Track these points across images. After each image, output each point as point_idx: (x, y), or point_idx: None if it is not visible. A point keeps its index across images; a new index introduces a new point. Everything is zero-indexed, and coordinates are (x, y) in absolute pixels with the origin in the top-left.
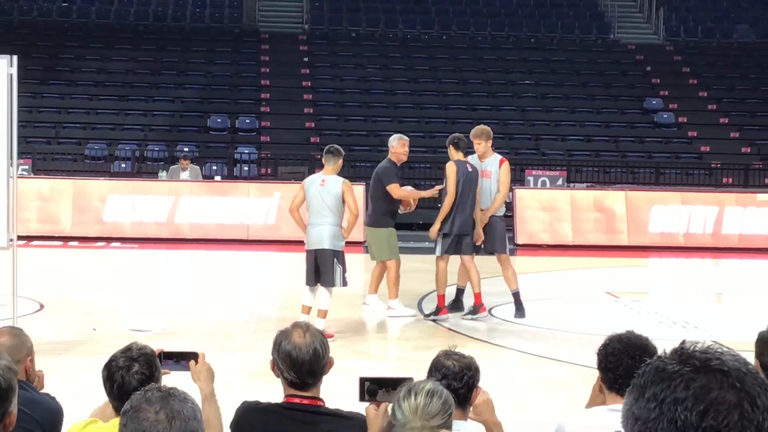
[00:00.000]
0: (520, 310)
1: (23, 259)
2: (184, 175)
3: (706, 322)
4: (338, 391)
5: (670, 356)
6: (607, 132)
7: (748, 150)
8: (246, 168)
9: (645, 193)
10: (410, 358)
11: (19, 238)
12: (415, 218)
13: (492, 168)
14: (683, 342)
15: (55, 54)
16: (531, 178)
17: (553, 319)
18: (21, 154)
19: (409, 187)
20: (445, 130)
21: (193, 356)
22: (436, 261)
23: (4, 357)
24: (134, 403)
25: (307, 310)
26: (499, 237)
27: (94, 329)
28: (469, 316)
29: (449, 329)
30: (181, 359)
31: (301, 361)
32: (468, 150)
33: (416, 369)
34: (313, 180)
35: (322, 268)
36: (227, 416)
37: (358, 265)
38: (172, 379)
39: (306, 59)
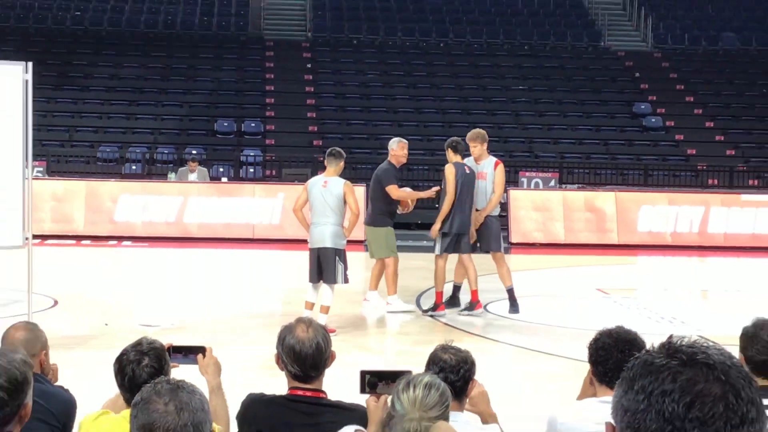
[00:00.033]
0: (514, 306)
1: (38, 258)
2: (193, 176)
3: (693, 318)
4: (340, 384)
5: (657, 350)
6: (598, 135)
7: (733, 153)
8: (251, 170)
9: (634, 194)
10: (409, 352)
11: (34, 237)
12: (414, 218)
13: (487, 170)
14: (670, 336)
15: (68, 61)
16: (525, 180)
17: (546, 314)
18: (36, 156)
19: (408, 189)
20: (443, 133)
21: (201, 350)
22: (436, 259)
23: (20, 351)
24: (144, 395)
25: (310, 305)
26: (495, 236)
27: (106, 324)
28: (466, 312)
29: (446, 324)
30: (190, 353)
31: (305, 354)
32: (465, 153)
33: (415, 362)
34: (316, 181)
35: (324, 266)
36: (233, 408)
37: (358, 263)
38: (181, 372)
39: (309, 65)
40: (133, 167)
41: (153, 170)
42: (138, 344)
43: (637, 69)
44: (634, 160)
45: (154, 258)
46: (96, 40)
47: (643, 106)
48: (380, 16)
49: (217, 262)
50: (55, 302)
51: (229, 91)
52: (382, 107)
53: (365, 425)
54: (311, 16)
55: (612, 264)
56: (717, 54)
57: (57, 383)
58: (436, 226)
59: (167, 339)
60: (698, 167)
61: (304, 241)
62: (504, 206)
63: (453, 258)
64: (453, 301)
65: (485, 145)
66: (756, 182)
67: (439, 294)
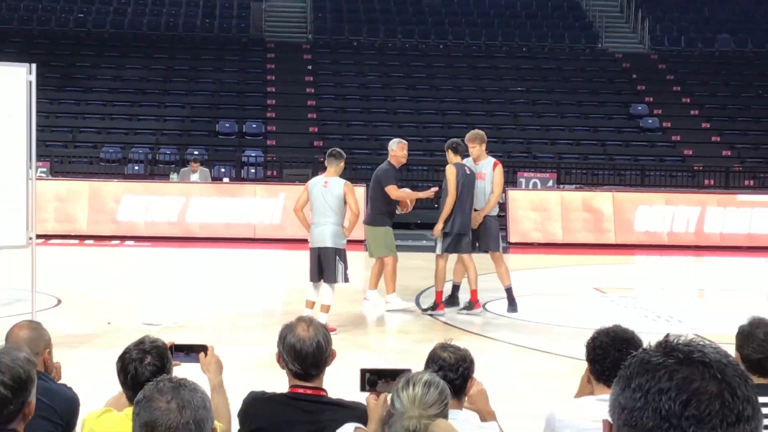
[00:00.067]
0: (512, 305)
1: (41, 257)
2: (194, 177)
3: (689, 317)
4: (340, 382)
5: (654, 349)
6: (595, 136)
7: (729, 153)
8: (253, 170)
9: (631, 194)
10: (408, 351)
11: (38, 236)
12: (413, 218)
13: (486, 170)
14: (667, 335)
15: (71, 62)
16: (523, 180)
17: (544, 313)
18: (39, 157)
19: (407, 189)
20: (442, 134)
21: (203, 348)
22: (436, 259)
23: (24, 349)
24: (147, 393)
25: (310, 304)
26: (493, 236)
27: (109, 323)
28: (465, 311)
29: (445, 323)
30: (191, 351)
31: (305, 353)
32: (465, 154)
33: (414, 361)
34: (317, 182)
35: (324, 265)
36: (235, 405)
37: (359, 263)
38: (183, 370)
39: (309, 67)
40: (136, 168)
41: (155, 171)
42: (140, 343)
43: (634, 71)
44: (631, 161)
45: (156, 257)
46: (99, 42)
47: (640, 108)
48: (380, 18)
49: (219, 262)
50: (59, 301)
51: (231, 93)
52: (382, 108)
53: (365, 423)
54: (312, 19)
55: (609, 263)
56: (713, 56)
57: (60, 381)
58: (439, 226)
59: (169, 338)
60: (695, 168)
61: (305, 241)
62: (502, 206)
63: (452, 257)
64: (452, 300)
65: (484, 146)
66: (752, 183)
67: (439, 293)
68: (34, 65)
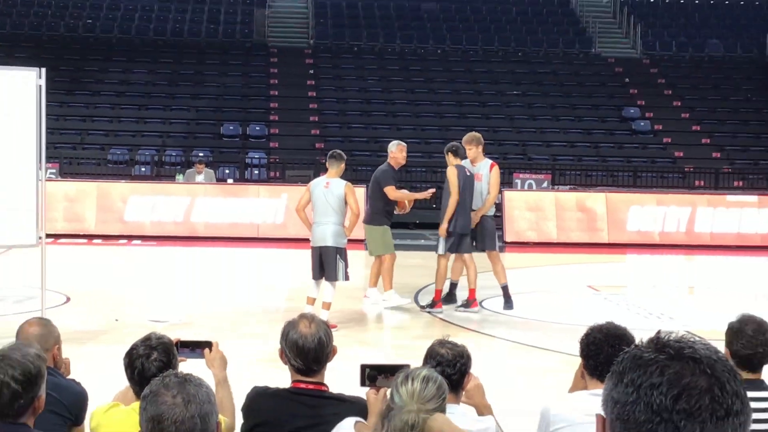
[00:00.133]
0: (508, 303)
1: (51, 256)
2: (200, 178)
3: (680, 314)
4: (341, 377)
5: (646, 345)
6: (589, 138)
7: (718, 155)
8: (256, 171)
9: (623, 195)
10: (407, 347)
11: (47, 236)
12: (412, 218)
13: (483, 171)
14: (659, 332)
15: (80, 66)
16: (518, 181)
17: (539, 310)
18: (49, 158)
19: (405, 190)
20: (440, 136)
21: (208, 345)
22: (438, 258)
23: (34, 345)
24: (153, 388)
25: (311, 301)
26: (490, 235)
27: (117, 320)
28: (462, 309)
29: (443, 320)
30: (197, 347)
31: (307, 349)
32: (464, 156)
33: (413, 357)
34: (318, 182)
35: (325, 264)
36: (239, 400)
37: (359, 261)
38: (188, 365)
39: (311, 71)
40: (143, 169)
41: (161, 172)
42: (147, 339)
43: (627, 75)
44: (623, 162)
45: (162, 256)
46: (107, 46)
47: (632, 111)
48: (380, 24)
49: (223, 261)
50: (68, 299)
51: (235, 96)
52: (382, 111)
53: (365, 417)
54: (313, 24)
55: (602, 262)
56: (703, 60)
57: (69, 376)
58: (444, 226)
59: (175, 334)
60: (685, 169)
61: (307, 240)
62: (498, 206)
63: (451, 256)
64: (449, 297)
65: (481, 148)
66: (741, 183)
67: (438, 292)
68: (43, 69)
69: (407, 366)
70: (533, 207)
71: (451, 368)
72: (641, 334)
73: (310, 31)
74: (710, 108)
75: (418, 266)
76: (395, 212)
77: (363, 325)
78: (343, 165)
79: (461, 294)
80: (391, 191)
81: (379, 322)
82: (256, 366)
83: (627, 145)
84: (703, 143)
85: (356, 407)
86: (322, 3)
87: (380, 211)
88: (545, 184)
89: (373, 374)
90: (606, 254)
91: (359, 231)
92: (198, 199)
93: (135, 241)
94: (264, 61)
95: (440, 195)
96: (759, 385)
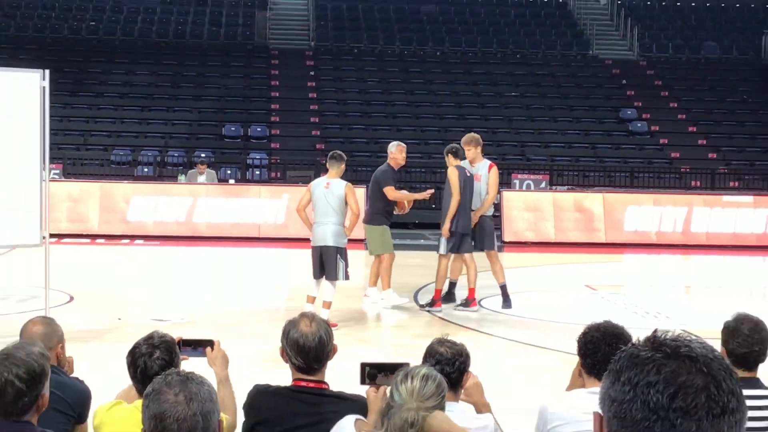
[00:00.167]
0: (507, 302)
1: (54, 255)
2: (201, 178)
3: (677, 313)
4: (341, 376)
5: (643, 344)
6: (586, 139)
7: (714, 156)
8: (257, 172)
9: (620, 195)
10: (407, 345)
11: (51, 236)
12: (412, 218)
13: (482, 172)
14: (655, 331)
15: (83, 68)
16: (517, 182)
17: (537, 309)
18: (53, 159)
19: (405, 191)
20: (439, 137)
21: (210, 343)
22: (439, 258)
23: (38, 344)
24: (156, 386)
25: (311, 299)
26: (488, 235)
27: (119, 319)
28: (461, 308)
29: (442, 319)
30: (199, 346)
31: (308, 348)
32: (464, 157)
33: (412, 355)
34: (319, 183)
35: (326, 263)
36: (240, 398)
37: (359, 261)
38: (190, 364)
39: (312, 73)
40: (145, 170)
41: (164, 172)
42: (150, 338)
43: (624, 76)
44: (620, 163)
45: (164, 256)
46: (110, 48)
47: (629, 112)
48: (380, 26)
49: (225, 260)
50: (71, 298)
51: (237, 98)
52: (382, 112)
53: (366, 415)
54: (314, 26)
55: (600, 261)
56: (699, 62)
57: (73, 375)
58: (447, 226)
59: (177, 333)
60: (682, 170)
61: (308, 240)
62: (497, 206)
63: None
64: (448, 296)
65: (479, 149)
66: (736, 184)
67: (438, 291)
68: (47, 71)
69: (407, 364)
70: (531, 207)
71: (450, 366)
72: (638, 332)
73: (311, 33)
74: (706, 109)
75: (418, 266)
76: (395, 212)
77: (363, 324)
78: (343, 166)
79: (460, 293)
80: (391, 191)
81: (378, 321)
82: (258, 365)
83: (624, 146)
84: (700, 144)
85: (356, 405)
86: (322, 5)
87: (380, 211)
88: (543, 185)
89: (373, 372)
90: (603, 254)
91: (359, 231)
92: (200, 200)
93: (138, 241)
94: (265, 63)
95: (439, 195)
96: (755, 383)
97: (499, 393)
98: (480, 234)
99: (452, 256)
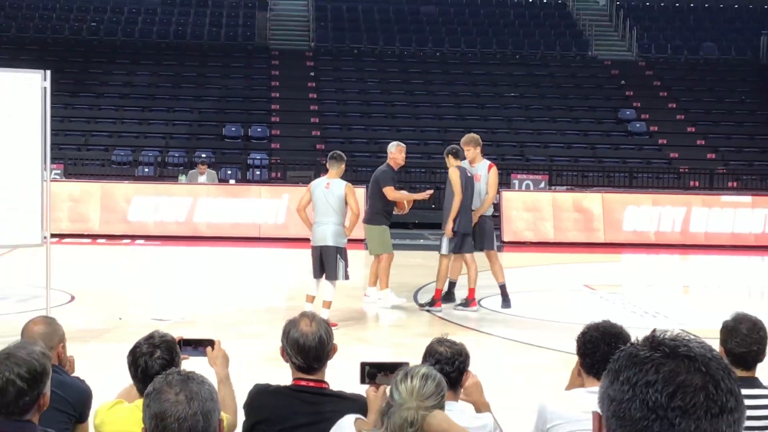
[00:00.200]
0: (506, 301)
1: (55, 255)
2: (202, 178)
3: (675, 313)
4: (341, 375)
5: (642, 343)
6: (585, 140)
7: (713, 156)
8: (258, 172)
9: (619, 195)
10: (406, 345)
11: (52, 235)
12: (411, 218)
13: (481, 172)
14: (654, 330)
15: (84, 69)
16: (516, 182)
17: (537, 309)
18: (54, 159)
19: (404, 191)
20: (439, 137)
21: (210, 343)
22: (440, 258)
23: (39, 344)
24: (156, 386)
25: (310, 298)
26: (488, 235)
27: (120, 318)
28: (461, 308)
29: (442, 319)
30: (199, 346)
31: (308, 347)
32: (464, 158)
33: (412, 355)
34: (319, 183)
35: (326, 263)
36: (241, 397)
37: (359, 261)
38: (191, 363)
39: (312, 74)
40: (146, 170)
41: (164, 173)
42: (150, 337)
43: (623, 77)
44: (619, 163)
45: (165, 256)
46: (111, 49)
47: (628, 112)
48: (379, 27)
49: (225, 260)
50: (72, 298)
51: (237, 98)
52: (381, 113)
53: (365, 414)
54: (314, 27)
55: (599, 261)
56: (698, 63)
57: (74, 374)
58: (450, 226)
59: (178, 332)
60: (680, 170)
61: (308, 240)
62: (496, 206)
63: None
64: (448, 296)
65: (479, 149)
66: (735, 184)
67: (439, 291)
68: (48, 72)
69: (406, 364)
70: (531, 207)
71: (449, 366)
72: (637, 332)
73: (311, 34)
74: (705, 110)
75: (418, 266)
76: (395, 212)
77: (363, 324)
78: (343, 166)
79: (460, 293)
80: (390, 192)
81: (378, 320)
82: (258, 364)
83: (623, 146)
84: (698, 144)
85: (356, 404)
86: (322, 6)
87: (379, 211)
88: (542, 185)
89: (372, 372)
90: (602, 254)
91: (359, 231)
92: (200, 200)
93: (138, 241)
94: (265, 64)
95: (439, 196)
96: (753, 382)
97: (498, 392)
98: (479, 234)
99: (452, 256)
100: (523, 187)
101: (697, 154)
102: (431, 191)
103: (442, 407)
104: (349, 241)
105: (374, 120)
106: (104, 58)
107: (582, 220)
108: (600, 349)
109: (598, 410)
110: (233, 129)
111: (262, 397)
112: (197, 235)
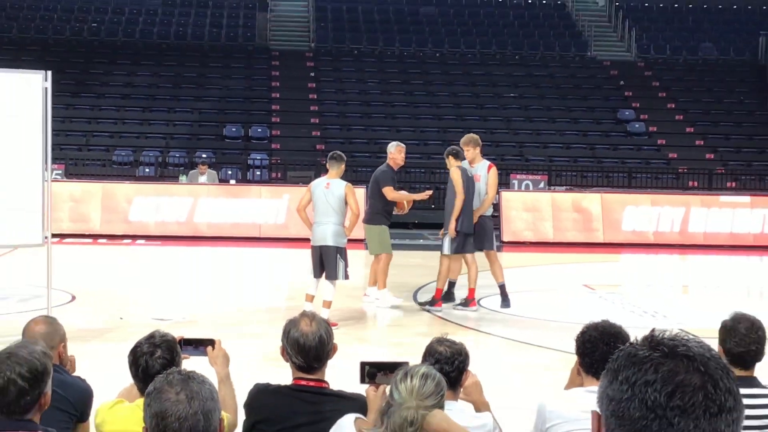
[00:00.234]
0: (505, 301)
1: (57, 255)
2: (202, 179)
3: (674, 312)
4: (341, 375)
5: (641, 343)
6: (585, 140)
7: (712, 156)
8: (258, 172)
9: (618, 195)
10: (406, 344)
11: (53, 235)
12: (411, 218)
13: (481, 172)
14: (653, 330)
15: (85, 69)
16: (516, 182)
17: (536, 309)
18: (55, 159)
19: (404, 191)
20: (438, 138)
21: (211, 342)
22: (442, 258)
23: (40, 343)
24: (157, 385)
25: (310, 298)
26: (488, 235)
27: (121, 318)
28: (460, 307)
29: (442, 318)
30: (200, 345)
31: (308, 347)
32: (464, 159)
33: (412, 354)
34: (319, 183)
35: (326, 263)
36: (241, 397)
37: (359, 261)
38: (192, 363)
39: (312, 74)
40: (147, 170)
41: (165, 173)
42: (151, 337)
43: (622, 77)
44: (618, 164)
45: (166, 256)
46: (111, 50)
47: (627, 113)
48: (379, 27)
49: (226, 260)
50: (73, 297)
51: (237, 98)
52: (381, 113)
53: (365, 413)
54: (314, 28)
55: (598, 261)
56: (697, 63)
57: (75, 374)
58: (452, 226)
59: (179, 332)
60: (679, 170)
61: (308, 240)
62: (496, 207)
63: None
64: (448, 296)
65: (478, 149)
66: (733, 184)
67: (439, 291)
68: (49, 72)
69: (406, 363)
70: (530, 207)
71: (449, 365)
72: (636, 332)
73: (311, 35)
74: (704, 110)
75: (418, 266)
76: (394, 213)
77: (363, 323)
78: (343, 166)
79: (460, 293)
80: (390, 192)
81: (378, 320)
82: (258, 364)
83: (622, 146)
84: (697, 145)
85: (356, 404)
86: (322, 7)
87: (379, 211)
88: (542, 185)
89: (372, 371)
90: (601, 254)
91: (360, 231)
92: (201, 200)
93: (139, 241)
94: (266, 64)
95: (439, 196)
96: (751, 382)
97: (497, 392)
98: (479, 234)
99: (454, 256)
100: (523, 188)
101: (695, 154)
102: (431, 191)
103: (441, 407)
104: (349, 241)
105: (374, 120)
106: (105, 58)
107: (581, 220)
108: (599, 348)
109: (597, 410)
110: (234, 129)
111: (262, 397)
112: (198, 235)
